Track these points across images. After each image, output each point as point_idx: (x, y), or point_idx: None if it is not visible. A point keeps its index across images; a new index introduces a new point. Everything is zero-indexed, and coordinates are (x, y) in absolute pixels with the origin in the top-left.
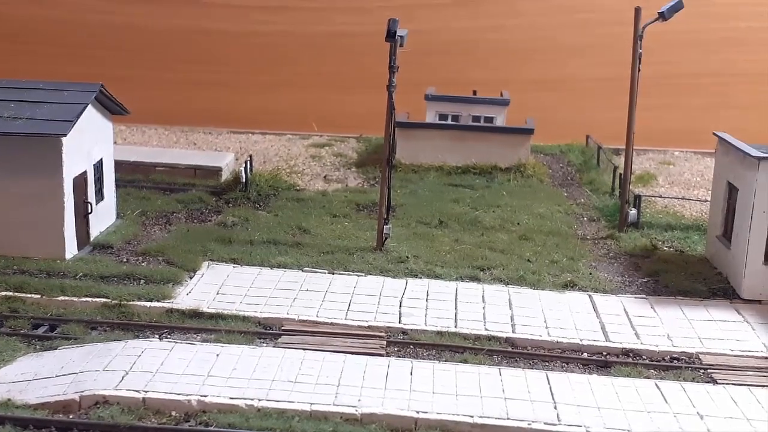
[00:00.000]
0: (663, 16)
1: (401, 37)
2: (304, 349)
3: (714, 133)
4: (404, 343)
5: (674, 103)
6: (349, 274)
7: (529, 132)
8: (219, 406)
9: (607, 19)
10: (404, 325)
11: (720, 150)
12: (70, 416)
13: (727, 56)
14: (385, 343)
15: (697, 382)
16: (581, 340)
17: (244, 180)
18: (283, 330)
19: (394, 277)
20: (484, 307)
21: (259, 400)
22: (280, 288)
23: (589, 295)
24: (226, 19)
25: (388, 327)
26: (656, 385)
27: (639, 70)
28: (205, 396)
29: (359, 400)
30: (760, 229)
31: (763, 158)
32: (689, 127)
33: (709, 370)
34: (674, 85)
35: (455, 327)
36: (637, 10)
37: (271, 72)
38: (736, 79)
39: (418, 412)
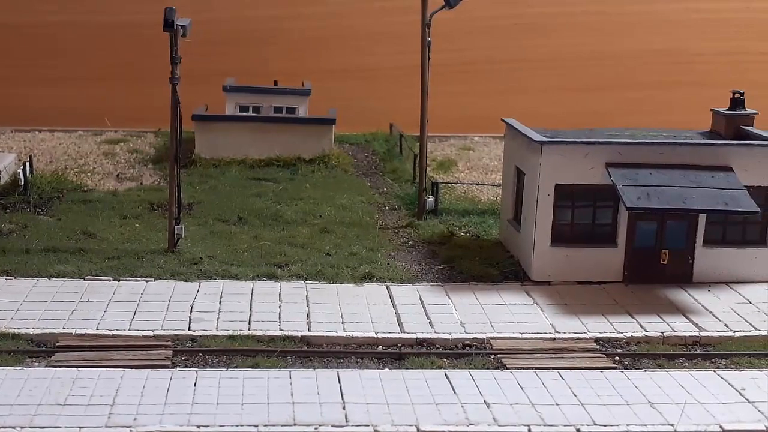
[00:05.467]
0: (449, 4)
1: (182, 26)
2: (78, 367)
3: (502, 119)
4: (192, 351)
5: (472, 89)
6: (136, 280)
7: (331, 122)
8: None
9: (406, 6)
10: (194, 331)
11: (508, 135)
12: None
13: (520, 42)
14: (171, 353)
15: (487, 368)
16: (376, 333)
17: (22, 182)
18: (58, 347)
19: (185, 281)
20: (280, 306)
21: (21, 427)
22: (58, 300)
23: (387, 286)
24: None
25: (176, 335)
26: (446, 375)
27: (429, 59)
28: None
29: (135, 419)
30: (546, 211)
31: (546, 143)
32: (487, 112)
33: (499, 355)
34: (471, 71)
35: (249, 329)
36: None
37: (57, 65)
38: (529, 64)
39: (198, 427)
